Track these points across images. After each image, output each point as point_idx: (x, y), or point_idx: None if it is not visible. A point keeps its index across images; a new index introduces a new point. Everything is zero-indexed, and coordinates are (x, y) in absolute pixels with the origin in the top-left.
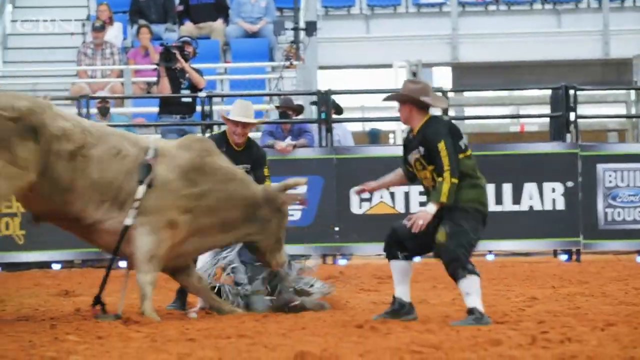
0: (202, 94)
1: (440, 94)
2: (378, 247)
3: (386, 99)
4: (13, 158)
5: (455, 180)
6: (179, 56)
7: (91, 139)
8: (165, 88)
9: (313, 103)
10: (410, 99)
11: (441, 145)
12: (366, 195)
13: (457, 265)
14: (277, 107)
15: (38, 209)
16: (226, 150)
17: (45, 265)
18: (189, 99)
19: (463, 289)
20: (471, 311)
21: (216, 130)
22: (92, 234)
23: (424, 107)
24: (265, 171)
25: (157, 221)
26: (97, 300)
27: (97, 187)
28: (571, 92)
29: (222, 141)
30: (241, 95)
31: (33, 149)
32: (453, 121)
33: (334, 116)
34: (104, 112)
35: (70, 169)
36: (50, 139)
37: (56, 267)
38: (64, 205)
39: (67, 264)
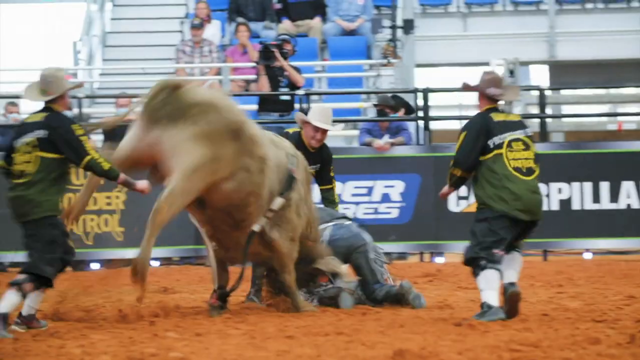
0: (300, 92)
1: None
2: None
3: (462, 89)
4: (216, 154)
5: (454, 172)
6: (278, 54)
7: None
8: (264, 86)
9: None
10: (475, 89)
11: (461, 136)
12: (463, 193)
13: (471, 266)
14: (375, 105)
15: (208, 208)
16: (302, 151)
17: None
18: (288, 97)
19: (477, 286)
20: (481, 306)
21: None
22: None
23: (490, 99)
24: (331, 171)
25: (294, 229)
26: (224, 294)
27: (268, 194)
28: None
29: (299, 142)
30: (339, 93)
31: (233, 148)
32: (548, 120)
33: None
34: None
35: (258, 172)
36: (247, 142)
37: (155, 264)
38: (238, 208)
39: (165, 261)
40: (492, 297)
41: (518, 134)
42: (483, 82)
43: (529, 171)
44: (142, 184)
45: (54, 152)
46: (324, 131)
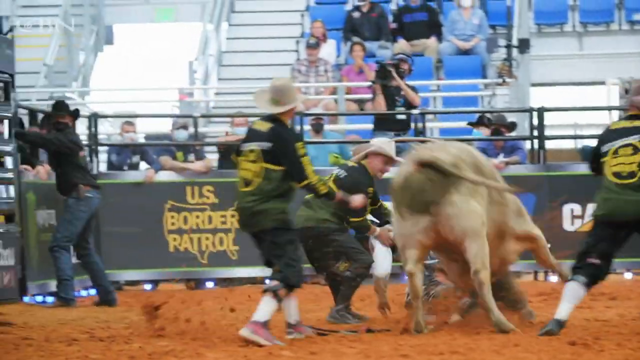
0: (416, 111)
1: None
2: None
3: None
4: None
5: None
6: (394, 73)
7: None
8: (380, 105)
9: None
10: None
11: None
12: (577, 212)
13: None
14: (490, 124)
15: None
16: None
17: (257, 281)
18: (404, 116)
19: None
20: None
21: None
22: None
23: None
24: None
25: None
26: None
27: None
28: None
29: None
30: (454, 112)
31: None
32: None
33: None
34: (317, 129)
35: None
36: (488, 175)
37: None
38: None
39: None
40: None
41: (632, 139)
42: (633, 90)
43: (630, 175)
44: (358, 198)
45: (278, 165)
46: (394, 163)
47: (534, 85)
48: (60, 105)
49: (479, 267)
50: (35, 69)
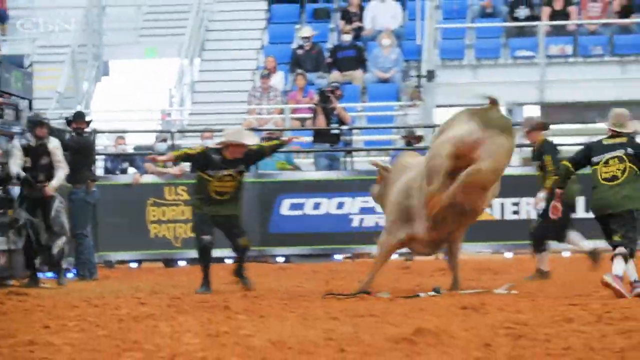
0: (345, 127)
1: None
2: None
3: None
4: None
5: None
6: (332, 98)
7: None
8: (321, 122)
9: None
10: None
11: None
12: None
13: None
14: (403, 137)
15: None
16: None
17: (220, 260)
18: (337, 131)
19: None
20: None
21: (355, 155)
22: None
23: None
24: None
25: None
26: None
27: None
28: None
29: None
30: (375, 128)
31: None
32: None
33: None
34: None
35: None
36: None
37: (228, 261)
38: None
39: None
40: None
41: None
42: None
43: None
44: None
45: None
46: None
47: (438, 106)
48: (79, 115)
49: None
50: (49, 96)
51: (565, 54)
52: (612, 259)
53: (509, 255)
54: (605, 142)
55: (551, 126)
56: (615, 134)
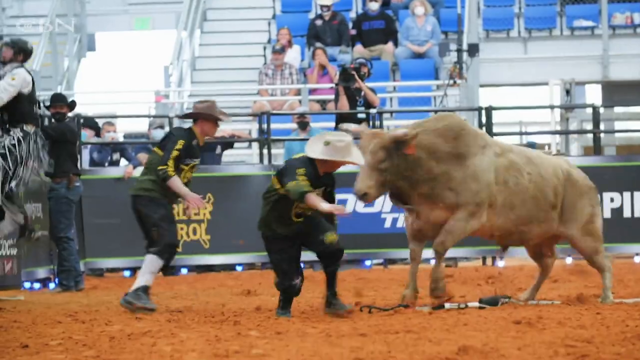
0: (373, 111)
1: None
2: None
3: None
4: None
5: None
6: (356, 76)
7: None
8: (344, 105)
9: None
10: None
11: None
12: None
13: None
14: None
15: None
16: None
17: (229, 267)
18: (363, 115)
19: None
20: None
21: None
22: None
23: None
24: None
25: None
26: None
27: None
28: None
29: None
30: (409, 111)
31: None
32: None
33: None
34: (303, 127)
35: None
36: None
37: (239, 268)
38: None
39: (249, 266)
40: None
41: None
42: None
43: None
44: None
45: None
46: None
47: (482, 86)
48: (58, 97)
49: None
50: None
51: (633, 24)
52: None
53: (569, 260)
54: None
55: (615, 108)
56: None
